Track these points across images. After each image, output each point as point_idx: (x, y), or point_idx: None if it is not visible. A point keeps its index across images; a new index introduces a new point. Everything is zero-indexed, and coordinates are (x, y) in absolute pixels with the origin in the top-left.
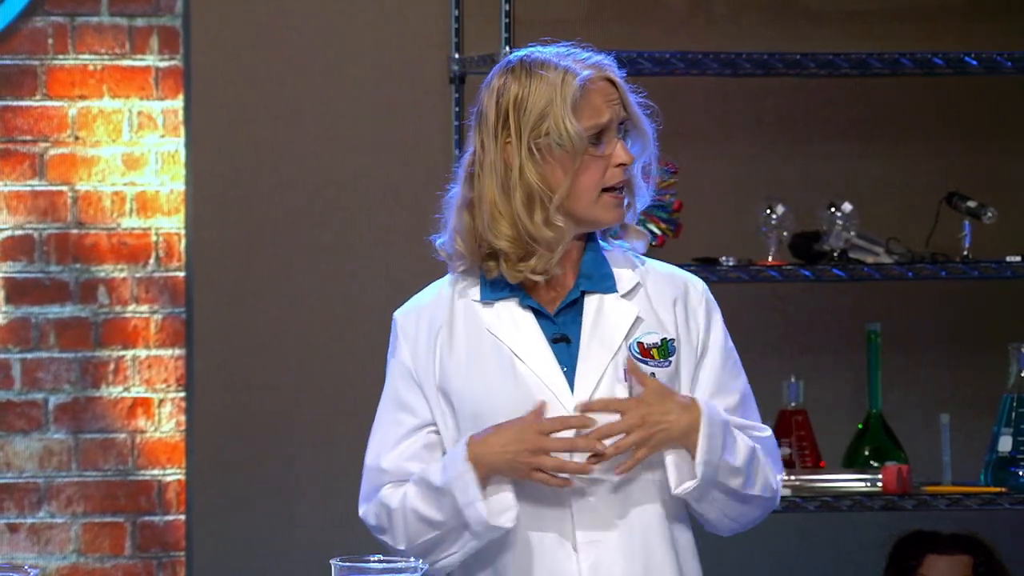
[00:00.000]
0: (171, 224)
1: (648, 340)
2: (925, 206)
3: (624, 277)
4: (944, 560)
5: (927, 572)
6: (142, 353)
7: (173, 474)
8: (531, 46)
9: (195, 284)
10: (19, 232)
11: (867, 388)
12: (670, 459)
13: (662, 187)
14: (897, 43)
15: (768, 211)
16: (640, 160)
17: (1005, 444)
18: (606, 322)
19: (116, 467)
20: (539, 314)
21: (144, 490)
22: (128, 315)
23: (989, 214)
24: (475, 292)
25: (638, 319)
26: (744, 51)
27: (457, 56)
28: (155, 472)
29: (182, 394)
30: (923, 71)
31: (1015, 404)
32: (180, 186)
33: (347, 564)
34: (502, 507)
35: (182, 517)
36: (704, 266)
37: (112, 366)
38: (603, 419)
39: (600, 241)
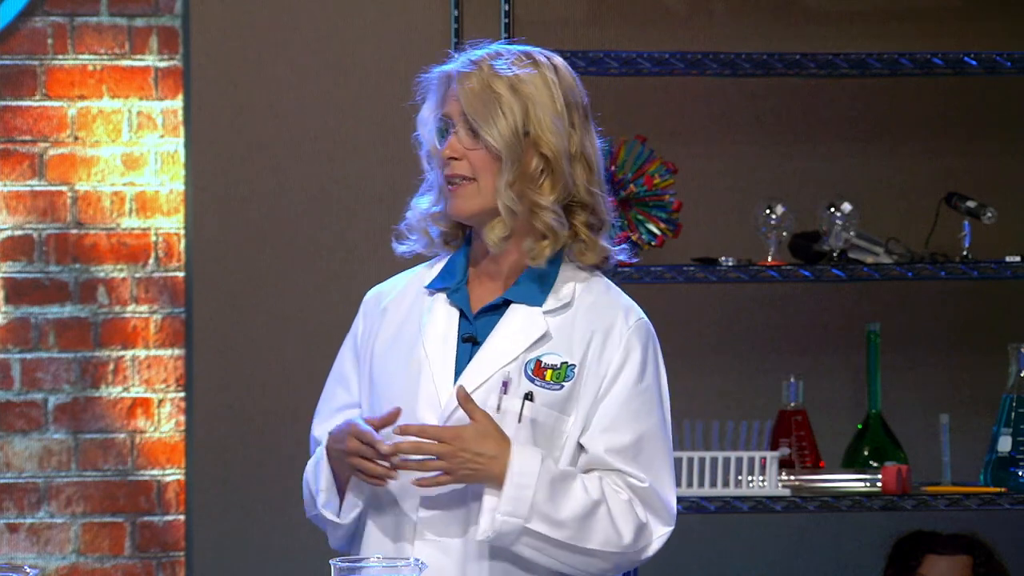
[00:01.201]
0: (170, 224)
1: (548, 360)
2: (925, 206)
3: (561, 294)
4: (944, 560)
5: (927, 572)
6: (142, 353)
7: (173, 474)
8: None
9: (195, 284)
10: (19, 232)
11: (867, 388)
12: (486, 504)
13: (662, 187)
14: (896, 43)
15: (768, 211)
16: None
17: (1004, 444)
18: (514, 331)
19: (116, 467)
20: (466, 313)
21: (144, 490)
22: (128, 315)
23: (989, 214)
24: (429, 278)
25: (546, 335)
26: (744, 51)
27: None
28: (155, 472)
29: (182, 394)
30: (922, 71)
31: (1015, 404)
32: (179, 186)
33: (347, 564)
34: (348, 504)
35: (182, 517)
36: (704, 266)
37: (112, 366)
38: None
39: (569, 259)
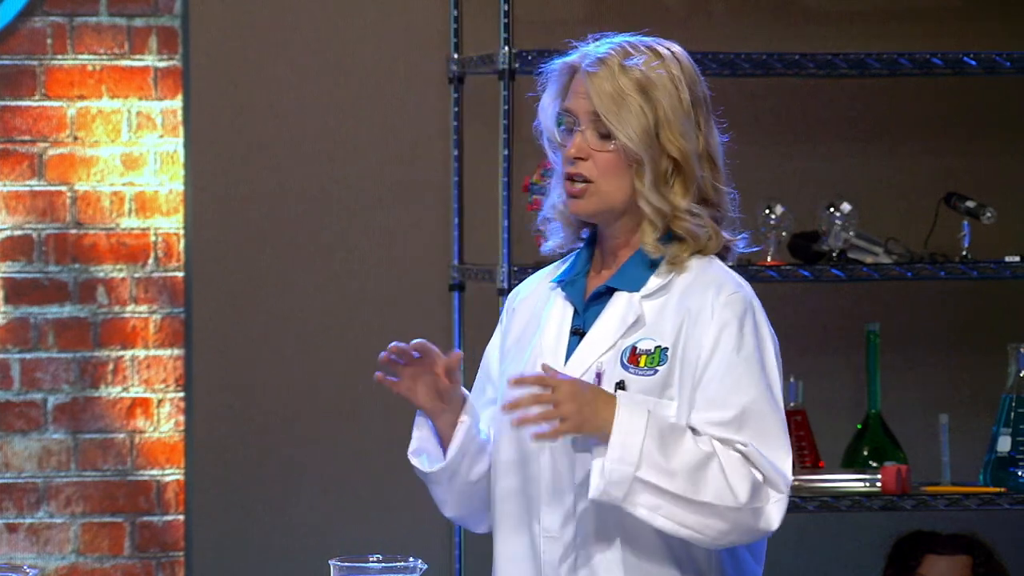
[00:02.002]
0: (170, 224)
1: (643, 346)
2: (924, 206)
3: (660, 277)
4: (943, 560)
5: (926, 572)
6: (141, 353)
7: (172, 474)
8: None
9: (194, 284)
10: (18, 232)
11: (866, 388)
12: (596, 463)
13: None
14: (896, 43)
15: (767, 211)
16: (609, 154)
17: (1004, 444)
18: (612, 319)
19: (115, 467)
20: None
21: (143, 490)
22: (127, 315)
23: (988, 214)
24: (557, 274)
25: (639, 321)
26: (743, 51)
27: (456, 56)
28: (154, 472)
29: (181, 394)
30: (922, 71)
31: (1014, 404)
32: (179, 186)
33: (345, 564)
34: (432, 454)
35: (181, 517)
36: None
37: (111, 366)
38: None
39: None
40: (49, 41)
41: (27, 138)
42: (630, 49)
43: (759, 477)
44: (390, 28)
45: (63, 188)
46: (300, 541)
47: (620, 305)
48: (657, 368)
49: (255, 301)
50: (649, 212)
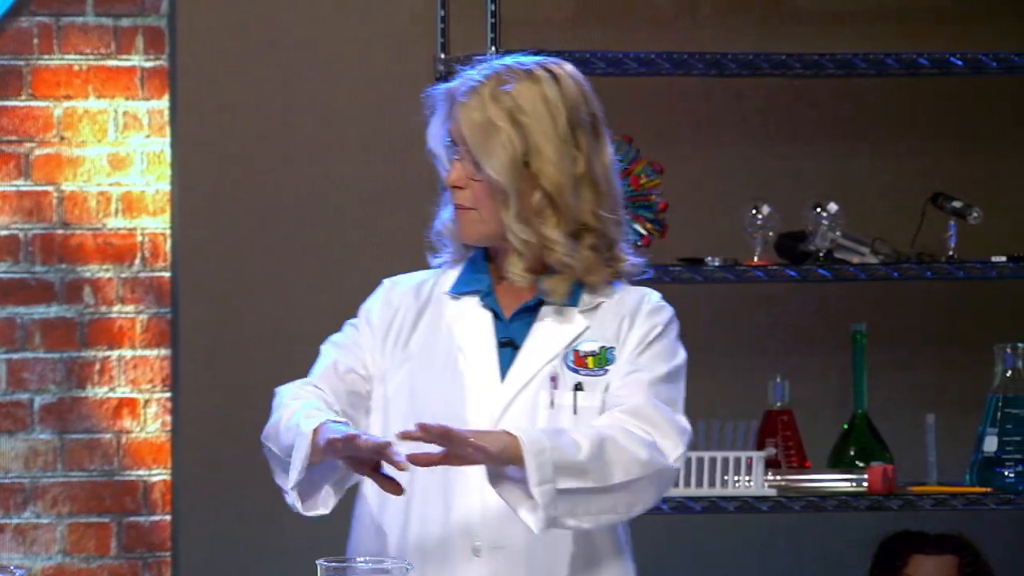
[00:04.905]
0: (157, 224)
1: (585, 348)
2: (911, 206)
3: (590, 293)
4: (930, 560)
5: (913, 572)
6: (128, 353)
7: (159, 474)
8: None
9: (181, 284)
10: (4, 232)
11: (852, 388)
12: (520, 510)
13: (648, 187)
14: (882, 43)
15: (753, 211)
16: (482, 180)
17: (990, 444)
18: (553, 330)
19: (102, 467)
20: (497, 316)
21: (130, 490)
22: (114, 315)
23: (975, 214)
24: (448, 283)
25: (586, 330)
26: (730, 51)
27: (443, 56)
28: (141, 472)
29: (168, 394)
30: (908, 71)
31: (1000, 404)
32: (166, 186)
33: (333, 564)
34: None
35: (168, 517)
36: (689, 266)
37: (98, 366)
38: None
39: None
40: (35, 41)
41: (13, 138)
42: (505, 75)
43: (648, 437)
44: (377, 28)
45: (50, 188)
46: (287, 541)
47: (556, 316)
48: (607, 368)
49: (242, 301)
50: (516, 243)
